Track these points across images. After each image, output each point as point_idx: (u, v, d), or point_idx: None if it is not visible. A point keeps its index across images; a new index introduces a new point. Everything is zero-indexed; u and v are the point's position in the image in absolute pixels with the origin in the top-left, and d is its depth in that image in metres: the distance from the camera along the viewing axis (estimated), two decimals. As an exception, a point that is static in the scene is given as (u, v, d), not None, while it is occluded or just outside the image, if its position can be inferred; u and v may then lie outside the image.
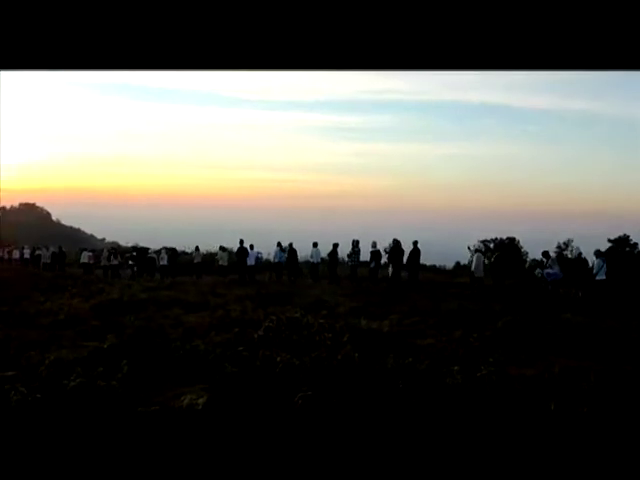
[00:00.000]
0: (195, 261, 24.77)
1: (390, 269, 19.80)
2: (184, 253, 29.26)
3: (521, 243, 27.76)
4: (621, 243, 25.09)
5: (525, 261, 26.06)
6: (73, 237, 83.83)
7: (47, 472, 3.93)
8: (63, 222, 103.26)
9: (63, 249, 30.35)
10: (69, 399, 5.12)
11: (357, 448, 4.20)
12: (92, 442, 4.26)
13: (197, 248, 25.54)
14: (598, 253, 15.44)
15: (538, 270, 17.28)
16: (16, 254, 32.44)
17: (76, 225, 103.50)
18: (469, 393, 5.33)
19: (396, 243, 19.81)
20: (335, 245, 21.49)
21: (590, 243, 17.87)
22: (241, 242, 22.19)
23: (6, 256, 33.18)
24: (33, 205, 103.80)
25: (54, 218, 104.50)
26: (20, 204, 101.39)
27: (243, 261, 21.80)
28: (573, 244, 24.49)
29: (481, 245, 25.29)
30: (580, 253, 16.70)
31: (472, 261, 18.51)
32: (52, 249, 29.83)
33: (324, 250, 21.97)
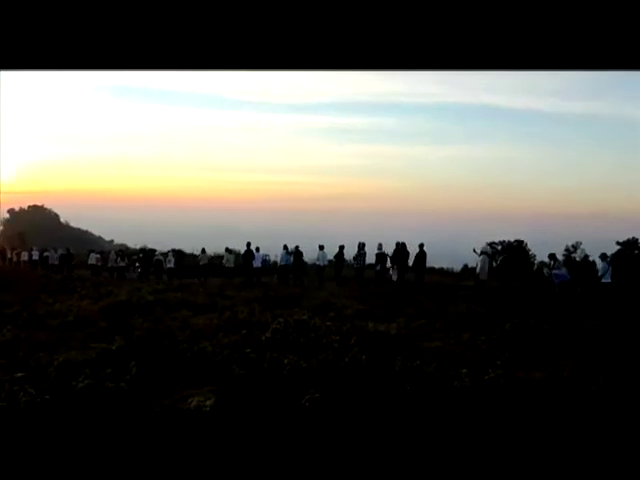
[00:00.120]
0: (201, 263, 24.78)
1: (391, 272, 19.77)
2: (193, 255, 29.30)
3: (529, 246, 27.68)
4: (630, 246, 24.93)
5: (533, 264, 25.94)
6: (81, 239, 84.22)
7: (56, 473, 3.95)
8: (72, 224, 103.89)
9: (71, 251, 30.52)
10: (77, 400, 5.15)
11: (365, 450, 4.20)
12: (100, 443, 4.28)
13: (203, 250, 25.55)
14: (603, 256, 15.41)
15: (546, 270, 17.19)
16: (25, 256, 32.58)
17: (84, 227, 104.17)
18: (477, 396, 5.32)
19: (401, 245, 19.78)
20: (341, 247, 21.48)
21: (599, 246, 17.77)
22: (248, 244, 22.22)
23: (15, 258, 33.34)
24: (42, 207, 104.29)
25: (63, 220, 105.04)
26: (29, 206, 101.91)
27: (249, 263, 21.86)
28: (582, 247, 24.41)
29: (487, 247, 25.21)
30: (586, 255, 16.64)
31: (477, 263, 18.41)
32: (60, 251, 30.00)
33: (329, 253, 21.98)
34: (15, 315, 10.65)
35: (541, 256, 22.38)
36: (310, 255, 22.86)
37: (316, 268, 21.68)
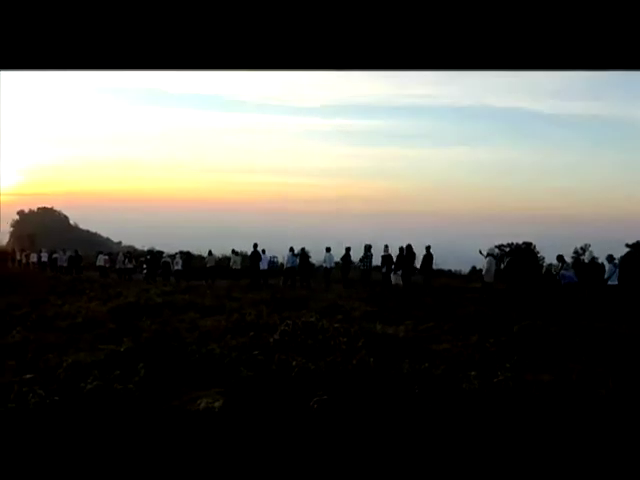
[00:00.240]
0: (208, 265, 24.80)
1: (392, 275, 19.73)
2: (201, 257, 29.36)
3: (537, 248, 27.53)
4: (639, 248, 24.73)
5: (542, 266, 25.78)
6: (90, 241, 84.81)
7: (65, 473, 3.97)
8: (81, 226, 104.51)
9: (79, 253, 30.69)
10: (86, 402, 5.17)
11: (373, 452, 4.19)
12: (108, 444, 4.29)
13: (210, 252, 25.56)
14: (610, 258, 15.34)
15: (554, 268, 17.08)
16: (34, 257, 32.80)
17: (93, 229, 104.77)
18: (486, 399, 5.29)
19: (408, 247, 19.74)
20: (348, 249, 21.43)
21: (608, 248, 17.64)
22: (255, 246, 22.24)
23: (24, 260, 33.56)
24: (51, 209, 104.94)
25: (72, 222, 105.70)
26: (38, 208, 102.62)
27: (256, 265, 21.86)
28: (590, 249, 24.22)
29: (494, 249, 25.10)
30: (593, 258, 16.54)
31: (484, 265, 18.34)
32: (69, 253, 30.19)
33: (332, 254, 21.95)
34: (24, 317, 10.72)
35: (550, 258, 22.26)
36: (313, 256, 22.82)
37: (323, 270, 21.68)
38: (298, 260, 21.75)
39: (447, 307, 13.10)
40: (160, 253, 27.68)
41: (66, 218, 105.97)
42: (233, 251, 24.87)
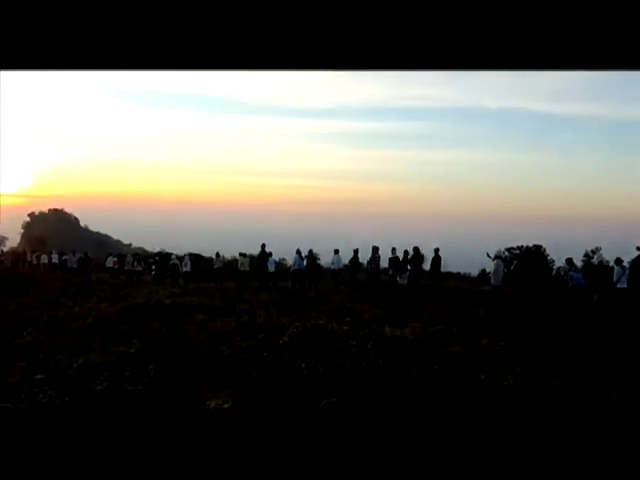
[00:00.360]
0: (216, 267, 24.79)
1: (398, 278, 19.67)
2: (210, 259, 29.40)
3: (547, 251, 27.32)
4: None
5: (552, 269, 25.61)
6: (101, 242, 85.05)
7: (74, 474, 3.98)
8: (91, 228, 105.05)
9: (89, 254, 30.87)
10: (96, 402, 5.19)
11: (382, 455, 4.17)
12: (118, 445, 4.31)
13: (217, 254, 25.56)
14: (618, 261, 15.23)
15: (562, 269, 16.99)
16: (44, 259, 33.02)
17: (103, 231, 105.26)
18: (496, 402, 5.27)
19: (415, 250, 19.69)
20: (356, 251, 21.37)
21: (619, 251, 17.49)
22: (263, 246, 22.21)
23: (35, 261, 33.80)
24: (62, 211, 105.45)
25: (82, 224, 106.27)
26: (49, 210, 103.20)
27: (264, 266, 21.84)
28: (600, 252, 24.04)
29: (502, 252, 24.95)
30: (601, 261, 16.42)
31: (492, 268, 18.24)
32: (78, 254, 30.38)
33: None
34: (35, 318, 10.79)
35: (558, 261, 22.14)
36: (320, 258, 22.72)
37: (331, 272, 21.65)
38: (305, 262, 21.71)
39: (456, 310, 13.06)
40: (169, 255, 27.78)
41: (77, 220, 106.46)
42: (241, 254, 24.89)
